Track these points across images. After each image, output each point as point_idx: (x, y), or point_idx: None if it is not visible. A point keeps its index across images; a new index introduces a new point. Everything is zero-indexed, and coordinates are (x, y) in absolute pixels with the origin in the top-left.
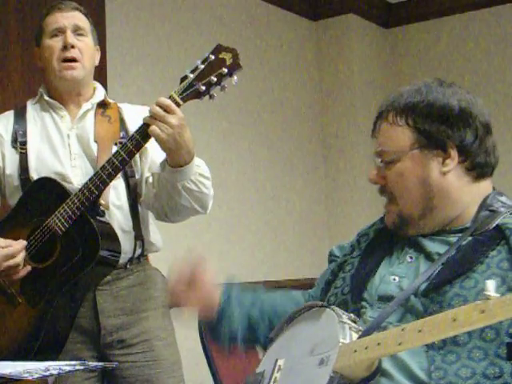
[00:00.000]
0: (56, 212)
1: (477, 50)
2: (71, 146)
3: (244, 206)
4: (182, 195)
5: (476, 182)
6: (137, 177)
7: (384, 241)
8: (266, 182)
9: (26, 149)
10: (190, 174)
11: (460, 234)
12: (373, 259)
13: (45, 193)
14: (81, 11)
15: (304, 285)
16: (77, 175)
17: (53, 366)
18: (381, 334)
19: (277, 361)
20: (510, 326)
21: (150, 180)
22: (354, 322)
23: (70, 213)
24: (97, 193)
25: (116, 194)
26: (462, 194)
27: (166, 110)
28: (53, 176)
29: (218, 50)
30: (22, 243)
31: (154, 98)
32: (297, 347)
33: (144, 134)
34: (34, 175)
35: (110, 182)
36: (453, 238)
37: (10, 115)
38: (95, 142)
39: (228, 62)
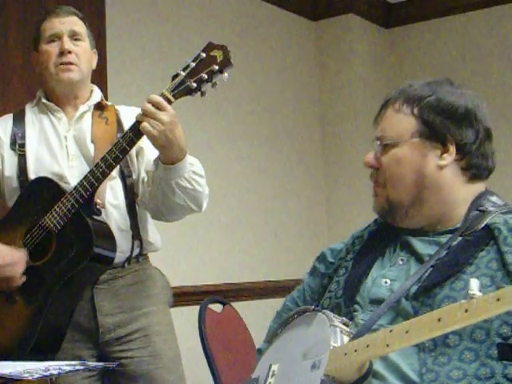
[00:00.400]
0: (52, 210)
1: (477, 50)
2: (68, 147)
3: (244, 206)
4: (175, 193)
5: (470, 183)
6: (134, 177)
7: (377, 243)
8: (266, 183)
9: (24, 151)
10: (183, 172)
11: (451, 235)
12: (366, 261)
13: (41, 192)
14: (78, 16)
15: None
16: (74, 175)
17: (53, 366)
18: (370, 336)
19: (271, 366)
20: (500, 327)
21: (145, 179)
22: (346, 326)
23: (65, 210)
24: (91, 190)
25: (113, 194)
26: (454, 191)
27: (157, 106)
28: (50, 177)
29: (208, 47)
30: (22, 254)
31: None
32: (290, 352)
33: (136, 131)
34: (33, 177)
35: (104, 179)
36: (444, 239)
37: (8, 118)
38: (92, 142)
39: (219, 59)
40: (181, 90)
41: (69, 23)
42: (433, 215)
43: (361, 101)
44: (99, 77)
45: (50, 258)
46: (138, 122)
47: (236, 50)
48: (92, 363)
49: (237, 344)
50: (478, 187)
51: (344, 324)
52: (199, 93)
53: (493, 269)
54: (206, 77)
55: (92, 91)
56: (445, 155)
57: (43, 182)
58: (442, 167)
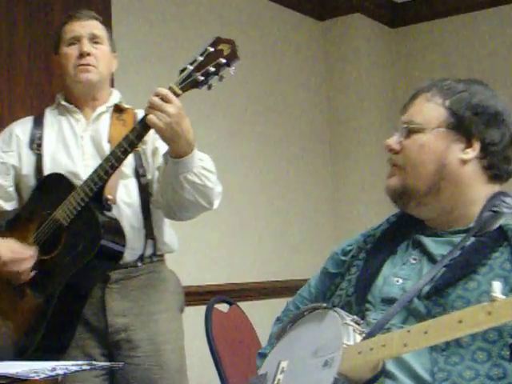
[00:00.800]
0: (62, 204)
1: (483, 50)
2: (84, 146)
3: (250, 205)
4: (184, 188)
5: (489, 183)
6: (148, 177)
7: (389, 241)
8: (272, 182)
9: (41, 150)
10: (191, 166)
11: (463, 235)
12: (377, 260)
13: (53, 187)
14: (98, 20)
15: None
16: (88, 174)
17: (59, 366)
18: (386, 336)
19: (280, 363)
20: None
21: (157, 175)
22: (358, 324)
23: (75, 204)
24: (100, 183)
25: (126, 192)
26: (472, 189)
27: (164, 99)
28: (67, 175)
29: (216, 42)
30: (32, 252)
31: None
32: (300, 349)
33: (144, 124)
34: None
35: (113, 172)
36: (456, 239)
37: (28, 120)
38: (109, 143)
39: (226, 53)
40: (188, 82)
41: (89, 26)
42: (445, 209)
43: (367, 100)
44: None
45: (60, 252)
46: (146, 116)
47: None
48: (99, 363)
49: (243, 344)
50: (496, 188)
51: (356, 322)
52: (206, 86)
53: (506, 270)
54: (212, 70)
55: (111, 93)
56: (468, 150)
57: (55, 177)
58: (464, 162)
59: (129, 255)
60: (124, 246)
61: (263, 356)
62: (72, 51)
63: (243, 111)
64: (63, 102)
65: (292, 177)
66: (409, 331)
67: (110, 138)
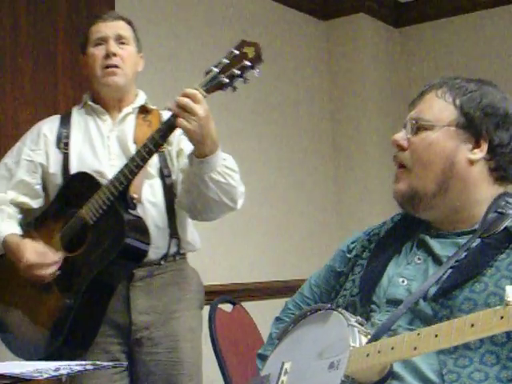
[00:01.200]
0: (88, 203)
1: (487, 50)
2: (110, 146)
3: (253, 206)
4: (209, 187)
5: (495, 184)
6: (173, 177)
7: (393, 240)
8: (276, 182)
9: (68, 149)
10: (216, 165)
11: (468, 236)
12: (382, 259)
13: (79, 186)
14: (124, 20)
15: None
16: (114, 173)
17: (63, 366)
18: (394, 339)
19: (283, 364)
20: None
21: (181, 177)
22: (362, 325)
23: (101, 203)
24: (125, 183)
25: (151, 192)
26: (479, 190)
27: (193, 99)
28: (93, 174)
29: (241, 44)
30: (57, 257)
31: (165, 99)
32: (304, 350)
33: (170, 125)
34: None
35: (138, 172)
36: (461, 241)
37: (56, 119)
38: (134, 143)
39: (250, 56)
40: (213, 84)
41: (115, 27)
42: (451, 209)
43: (371, 100)
44: None
45: (85, 249)
46: (172, 117)
47: None
48: (103, 363)
49: (247, 344)
50: (502, 190)
51: (360, 324)
52: (231, 88)
53: None
54: (237, 72)
55: (137, 95)
56: (476, 150)
57: (81, 176)
58: (472, 162)
59: (153, 254)
60: (148, 244)
61: (263, 357)
62: (98, 52)
63: (246, 111)
64: (90, 103)
65: (295, 177)
66: (419, 334)
67: (136, 138)
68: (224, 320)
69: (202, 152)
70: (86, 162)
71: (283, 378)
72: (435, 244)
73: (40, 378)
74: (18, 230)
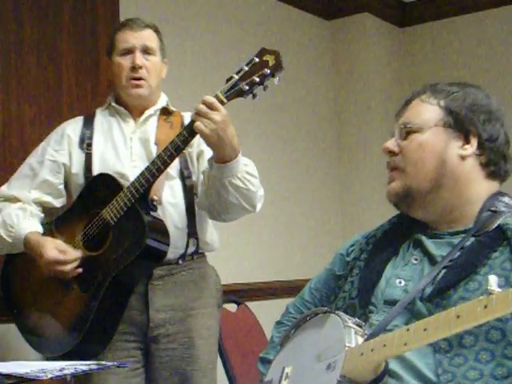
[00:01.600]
0: (110, 204)
1: (492, 49)
2: (133, 147)
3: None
4: (229, 191)
5: (487, 179)
6: (194, 178)
7: (390, 242)
8: (280, 182)
9: (91, 150)
10: (236, 171)
11: (463, 236)
12: (379, 261)
13: (101, 187)
14: (152, 28)
15: None
16: (136, 175)
17: (68, 366)
18: (386, 336)
19: (284, 368)
20: None
21: (201, 179)
22: (360, 327)
23: (122, 204)
24: (146, 186)
25: (172, 193)
26: (472, 185)
27: (210, 106)
28: (114, 175)
29: (262, 52)
30: (77, 254)
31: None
32: (303, 354)
33: (191, 129)
34: None
35: (159, 175)
36: (456, 240)
37: (79, 120)
38: (156, 144)
39: (271, 64)
40: (233, 91)
41: (142, 37)
42: (446, 208)
43: (375, 100)
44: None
45: (107, 249)
46: (193, 122)
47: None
48: (107, 363)
49: (251, 344)
50: (494, 186)
51: (358, 325)
52: (251, 95)
53: (507, 269)
54: (257, 80)
55: (159, 97)
56: (466, 146)
57: (103, 177)
58: (463, 158)
59: (171, 253)
60: (168, 245)
61: (265, 361)
62: (125, 62)
63: (251, 111)
64: (113, 104)
65: (300, 177)
66: (408, 330)
67: (157, 140)
68: (229, 320)
69: (221, 157)
70: (108, 163)
71: (284, 382)
72: (430, 244)
73: (45, 377)
74: (39, 229)
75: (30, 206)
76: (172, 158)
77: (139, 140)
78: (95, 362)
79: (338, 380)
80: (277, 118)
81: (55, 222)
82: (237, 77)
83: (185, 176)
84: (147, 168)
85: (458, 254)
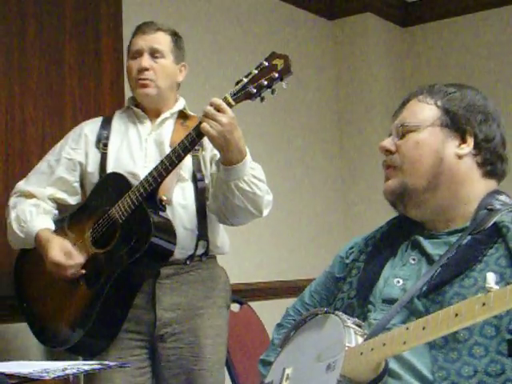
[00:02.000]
0: (119, 202)
1: (495, 49)
2: (147, 149)
3: None
4: (235, 194)
5: (484, 179)
6: (206, 181)
7: (389, 243)
8: (282, 182)
9: (106, 150)
10: (242, 174)
11: (460, 235)
12: (378, 261)
13: (112, 186)
14: (165, 31)
15: None
16: None
17: (70, 366)
18: (385, 335)
19: (284, 370)
20: (510, 323)
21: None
22: (359, 326)
23: (130, 203)
24: (154, 185)
25: (183, 194)
26: (468, 184)
27: (217, 108)
28: (126, 175)
29: (271, 56)
30: (80, 260)
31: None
32: (304, 355)
33: (198, 131)
34: None
35: (167, 175)
36: (453, 239)
37: (98, 120)
38: (170, 147)
39: (279, 67)
40: (241, 94)
41: (150, 40)
42: (443, 207)
43: (378, 100)
44: (116, 80)
45: (113, 247)
46: (200, 123)
47: (252, 50)
48: (110, 363)
49: (254, 343)
50: (491, 185)
51: (357, 325)
52: (259, 98)
53: (502, 266)
54: (265, 83)
55: (177, 100)
56: (463, 145)
57: (114, 176)
58: (460, 157)
59: (179, 254)
60: (174, 245)
61: (266, 363)
62: (133, 65)
63: (252, 110)
64: (132, 106)
65: (301, 177)
66: (407, 328)
67: (172, 142)
68: (231, 319)
69: (227, 159)
70: (122, 163)
71: (284, 383)
72: (428, 244)
73: (47, 377)
74: (51, 225)
75: (45, 202)
76: (180, 159)
77: (154, 142)
78: (98, 362)
79: (338, 380)
80: (278, 118)
81: (68, 219)
82: (245, 80)
83: (197, 179)
84: (155, 168)
85: (454, 251)
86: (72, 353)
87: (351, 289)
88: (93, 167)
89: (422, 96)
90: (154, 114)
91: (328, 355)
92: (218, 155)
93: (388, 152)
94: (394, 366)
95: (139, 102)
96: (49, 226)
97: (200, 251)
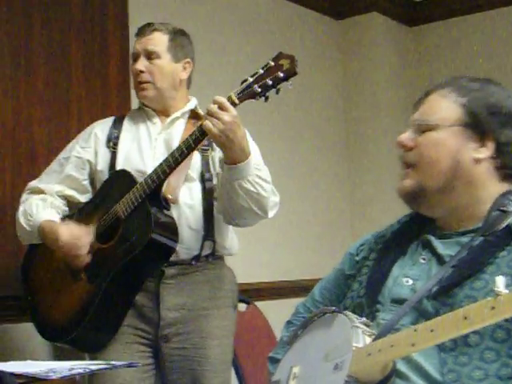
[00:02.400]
0: (123, 198)
1: (503, 48)
2: (156, 148)
3: None
4: (239, 194)
5: (500, 183)
6: (214, 182)
7: (399, 242)
8: (288, 181)
9: (116, 148)
10: (246, 173)
11: (472, 235)
12: (388, 260)
13: (118, 183)
14: (160, 31)
15: None
16: None
17: (77, 366)
18: (393, 336)
19: (292, 368)
20: None
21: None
22: (367, 326)
23: (133, 199)
24: (157, 182)
25: (189, 194)
26: (484, 188)
27: (220, 107)
28: (134, 173)
29: (278, 57)
30: (88, 230)
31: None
32: (311, 354)
33: (201, 129)
34: None
35: (170, 172)
36: (465, 240)
37: (109, 120)
38: None
39: (285, 68)
40: (246, 93)
41: (145, 43)
42: (457, 207)
43: (384, 100)
44: (122, 80)
45: (115, 242)
46: (203, 121)
47: (258, 49)
48: (117, 362)
49: (261, 343)
50: (506, 187)
51: (365, 325)
52: (263, 97)
53: None
54: (270, 83)
55: (188, 100)
56: (482, 149)
57: (120, 174)
58: (478, 161)
59: (184, 254)
60: (176, 242)
61: (274, 360)
62: (133, 68)
63: (259, 111)
64: (142, 106)
65: (308, 176)
66: (416, 330)
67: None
68: (238, 319)
69: (230, 158)
70: (131, 162)
71: (292, 382)
72: (439, 244)
73: (54, 377)
74: (56, 219)
75: (52, 197)
76: (183, 157)
77: (164, 141)
78: (105, 362)
79: (346, 380)
80: (285, 117)
81: (74, 215)
82: (251, 79)
83: (205, 179)
84: (160, 165)
85: (466, 253)
86: (73, 347)
87: (360, 287)
88: (102, 166)
89: (445, 91)
90: (163, 113)
91: (336, 355)
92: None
93: (405, 147)
94: (401, 366)
95: None
96: (54, 218)
97: (206, 252)
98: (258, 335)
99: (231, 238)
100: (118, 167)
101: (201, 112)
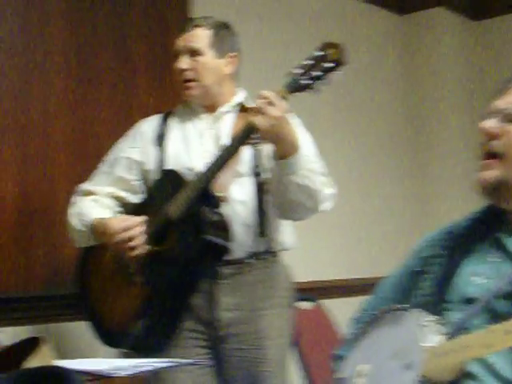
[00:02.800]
0: (173, 199)
1: None
2: (205, 144)
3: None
4: (288, 189)
5: None
6: (266, 176)
7: (468, 239)
8: (354, 180)
9: (165, 146)
10: (296, 168)
11: None
12: (457, 258)
13: (167, 183)
14: (201, 26)
15: None
16: None
17: (144, 363)
18: (468, 337)
19: (359, 366)
20: None
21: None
22: (438, 325)
23: (184, 200)
24: (207, 181)
25: (241, 190)
26: None
27: (268, 102)
28: (183, 171)
29: (324, 46)
30: (140, 218)
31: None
32: (379, 352)
33: (250, 125)
34: None
35: (220, 170)
36: None
37: (156, 117)
38: None
39: (333, 57)
40: (295, 86)
41: (186, 40)
42: None
43: (450, 96)
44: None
45: (168, 244)
46: (252, 117)
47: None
48: (183, 360)
49: (327, 341)
50: None
51: (435, 323)
52: (313, 90)
53: None
54: (320, 74)
55: (235, 93)
56: None
57: (170, 174)
58: None
59: (240, 252)
60: (228, 241)
61: (339, 358)
62: (176, 66)
63: (324, 108)
64: (189, 102)
65: (375, 173)
66: (492, 331)
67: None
68: (303, 318)
69: (280, 153)
70: (180, 159)
71: (360, 380)
72: (511, 243)
73: (122, 375)
74: (108, 216)
75: (104, 198)
76: (232, 154)
77: (212, 137)
78: (171, 360)
79: (418, 380)
80: (350, 115)
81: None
82: (298, 71)
83: (257, 173)
84: (209, 163)
85: None
86: (133, 351)
87: (428, 286)
88: (151, 165)
89: None
90: (211, 108)
91: (405, 354)
92: None
93: (490, 135)
94: (474, 368)
95: None
96: (105, 216)
97: (261, 248)
98: (324, 333)
99: (286, 231)
100: (167, 165)
101: (250, 105)
